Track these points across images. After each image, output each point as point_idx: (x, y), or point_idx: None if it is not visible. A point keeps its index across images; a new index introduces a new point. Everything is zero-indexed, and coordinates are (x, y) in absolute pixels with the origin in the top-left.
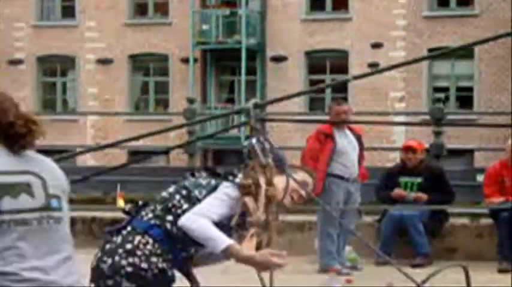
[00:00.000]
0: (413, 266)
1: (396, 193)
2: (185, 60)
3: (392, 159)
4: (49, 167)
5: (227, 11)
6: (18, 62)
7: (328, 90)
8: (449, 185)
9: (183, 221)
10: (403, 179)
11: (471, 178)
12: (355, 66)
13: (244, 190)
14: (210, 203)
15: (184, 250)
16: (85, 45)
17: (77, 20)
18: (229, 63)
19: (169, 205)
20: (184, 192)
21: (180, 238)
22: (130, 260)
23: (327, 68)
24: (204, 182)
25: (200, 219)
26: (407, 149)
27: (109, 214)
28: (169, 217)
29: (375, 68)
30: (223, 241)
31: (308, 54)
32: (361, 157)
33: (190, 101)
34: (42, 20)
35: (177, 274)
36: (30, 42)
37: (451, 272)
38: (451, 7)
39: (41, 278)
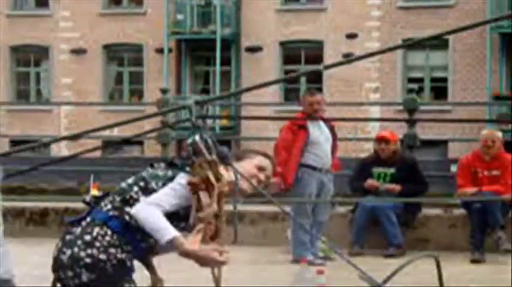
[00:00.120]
0: (386, 256)
1: (369, 184)
2: (160, 51)
3: (367, 149)
4: None
5: (202, 1)
6: None
7: (303, 81)
8: (422, 176)
9: (133, 210)
10: (376, 170)
11: (445, 168)
12: (330, 57)
13: (192, 187)
14: (164, 193)
15: (144, 240)
16: (59, 35)
17: (50, 9)
18: (204, 53)
19: (127, 196)
20: (142, 183)
21: (139, 229)
22: (89, 251)
23: (302, 59)
24: (161, 173)
25: (149, 209)
26: (380, 139)
27: (82, 205)
28: (128, 208)
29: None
30: (168, 232)
31: (283, 44)
32: (334, 147)
33: (164, 91)
34: (16, 9)
35: (137, 264)
36: (3, 32)
37: (423, 262)
38: None
39: None
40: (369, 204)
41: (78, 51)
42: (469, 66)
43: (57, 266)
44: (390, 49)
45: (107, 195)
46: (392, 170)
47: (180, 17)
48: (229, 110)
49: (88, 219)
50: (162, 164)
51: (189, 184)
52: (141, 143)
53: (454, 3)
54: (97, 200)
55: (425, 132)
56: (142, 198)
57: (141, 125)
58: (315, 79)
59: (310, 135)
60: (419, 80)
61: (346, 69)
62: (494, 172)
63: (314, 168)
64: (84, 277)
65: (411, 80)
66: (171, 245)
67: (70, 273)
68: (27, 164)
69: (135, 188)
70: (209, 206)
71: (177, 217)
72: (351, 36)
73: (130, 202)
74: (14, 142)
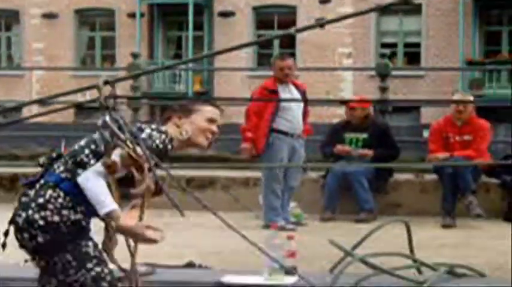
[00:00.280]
0: (358, 221)
1: (339, 149)
2: (132, 15)
3: (340, 115)
4: None
5: None
6: None
7: (276, 46)
8: (394, 141)
9: (79, 179)
10: (348, 135)
11: (418, 134)
12: (303, 22)
13: (109, 169)
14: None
15: None
16: None
17: None
18: (177, 18)
19: (79, 158)
20: (92, 146)
21: None
22: (42, 213)
23: (275, 24)
24: (134, 129)
25: (93, 180)
26: (346, 105)
27: None
28: (80, 171)
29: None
30: (107, 204)
31: (256, 9)
32: (305, 113)
33: (135, 55)
34: None
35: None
36: None
37: (394, 227)
38: None
39: None
40: (341, 169)
41: (50, 16)
42: (442, 31)
43: (14, 229)
44: (363, 13)
45: (60, 157)
46: (364, 135)
47: None
48: (201, 76)
49: (42, 181)
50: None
51: (104, 165)
52: (113, 108)
53: None
54: (51, 162)
55: (398, 97)
56: (92, 161)
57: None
58: (288, 44)
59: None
60: (393, 45)
61: (319, 34)
62: (466, 137)
63: (285, 133)
64: (40, 239)
65: (384, 46)
66: (110, 218)
67: (26, 235)
68: None
69: (86, 151)
70: (141, 182)
71: (129, 181)
72: (324, 1)
73: (82, 164)
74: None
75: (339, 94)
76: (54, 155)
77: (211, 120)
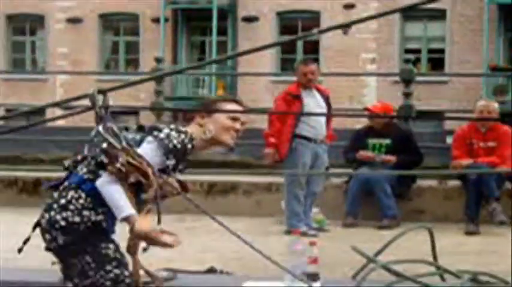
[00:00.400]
0: (380, 228)
1: (362, 155)
2: (156, 20)
3: (363, 121)
4: None
5: None
6: None
7: (300, 51)
8: (417, 147)
9: (97, 183)
10: (371, 141)
11: (441, 140)
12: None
13: (118, 175)
14: None
15: None
16: (55, 4)
17: None
18: (201, 23)
19: (99, 159)
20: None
21: None
22: (64, 214)
23: (299, 29)
24: (130, 137)
25: (110, 184)
26: (368, 112)
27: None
28: (101, 172)
29: (347, 30)
30: (123, 210)
31: (280, 14)
32: (329, 118)
33: (158, 60)
34: None
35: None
36: None
37: (417, 234)
38: None
39: None
40: (364, 175)
41: (74, 21)
42: (467, 37)
43: (40, 230)
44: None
45: (84, 160)
46: (387, 141)
47: None
48: (225, 81)
49: (65, 183)
50: (134, 128)
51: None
52: (136, 113)
53: None
54: (75, 164)
55: (421, 103)
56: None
57: (136, 94)
58: (312, 50)
59: (305, 105)
60: (417, 51)
61: (343, 40)
62: (490, 144)
63: (308, 139)
64: (60, 240)
65: (408, 51)
66: (127, 223)
67: (48, 236)
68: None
69: None
70: (150, 187)
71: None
72: (349, 6)
73: (103, 165)
74: (10, 111)
75: (362, 100)
76: (79, 157)
77: (234, 118)
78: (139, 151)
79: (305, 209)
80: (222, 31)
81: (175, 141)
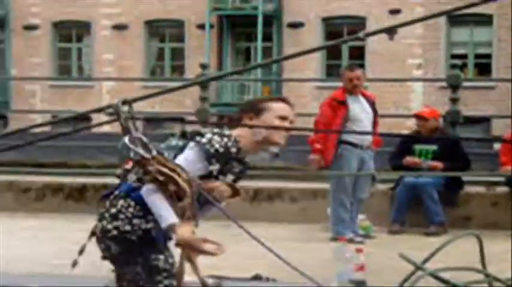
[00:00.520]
0: (428, 234)
1: (408, 161)
2: (201, 26)
3: (409, 127)
4: None
5: None
6: (34, 27)
7: (345, 57)
8: (464, 153)
9: (142, 192)
10: (418, 147)
11: (488, 146)
12: None
13: (157, 183)
14: None
15: None
16: (101, 11)
17: None
18: (246, 29)
19: (147, 168)
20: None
21: None
22: (115, 223)
23: (344, 35)
24: (174, 143)
25: (153, 193)
26: (418, 117)
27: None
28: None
29: (392, 35)
30: (166, 218)
31: (325, 20)
32: (375, 124)
33: (204, 66)
34: None
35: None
36: (45, 8)
37: (465, 241)
38: None
39: None
40: (411, 181)
41: (120, 27)
42: None
43: (95, 239)
44: (435, 15)
45: (134, 167)
46: (434, 147)
47: None
48: (270, 87)
49: (116, 192)
50: (177, 135)
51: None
52: (182, 119)
53: None
54: (126, 173)
55: (468, 108)
56: None
57: (182, 100)
58: (357, 55)
59: (350, 111)
60: (463, 56)
61: (389, 45)
62: None
63: (354, 145)
64: (113, 249)
65: (454, 57)
66: (170, 231)
67: (102, 245)
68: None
69: None
70: (185, 194)
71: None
72: (394, 12)
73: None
74: (56, 118)
75: (409, 105)
76: (129, 166)
77: (283, 118)
78: (181, 157)
79: (351, 215)
80: (267, 37)
81: (217, 146)
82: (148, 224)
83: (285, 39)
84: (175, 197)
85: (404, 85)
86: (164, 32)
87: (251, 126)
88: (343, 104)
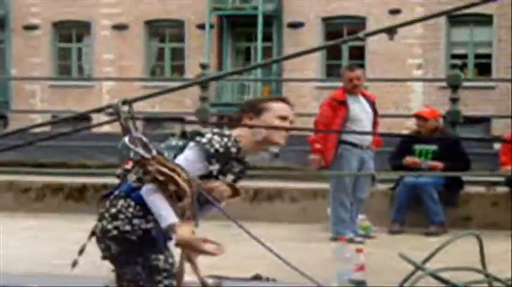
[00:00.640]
0: (428, 234)
1: (408, 161)
2: (201, 26)
3: (409, 127)
4: None
5: None
6: (34, 27)
7: (345, 57)
8: (465, 153)
9: (141, 192)
10: (418, 147)
11: (488, 145)
12: None
13: (157, 183)
14: None
15: None
16: (101, 11)
17: None
18: (246, 29)
19: (147, 167)
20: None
21: None
22: (115, 223)
23: (344, 35)
24: (174, 143)
25: (153, 193)
26: (418, 117)
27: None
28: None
29: (392, 35)
30: (166, 219)
31: (325, 20)
32: (375, 124)
33: (203, 66)
34: None
35: None
36: (45, 8)
37: (465, 241)
38: None
39: None
40: (410, 181)
41: (120, 27)
42: None
43: (95, 239)
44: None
45: (134, 167)
46: (434, 147)
47: None
48: (270, 87)
49: (116, 192)
50: (177, 134)
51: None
52: (182, 119)
53: None
54: (126, 173)
55: (468, 109)
56: None
57: (182, 100)
58: (357, 55)
59: (351, 111)
60: (463, 56)
61: (389, 45)
62: None
63: (354, 145)
64: (113, 249)
65: (455, 56)
66: (170, 231)
67: (102, 245)
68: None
69: None
70: (185, 194)
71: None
72: (394, 12)
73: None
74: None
75: (409, 105)
76: (129, 165)
77: (283, 118)
78: (181, 157)
79: (351, 215)
80: (267, 37)
81: (217, 146)
82: (149, 224)
83: (285, 39)
84: (175, 197)
85: (404, 85)
86: (164, 32)
87: (251, 127)
88: (343, 104)
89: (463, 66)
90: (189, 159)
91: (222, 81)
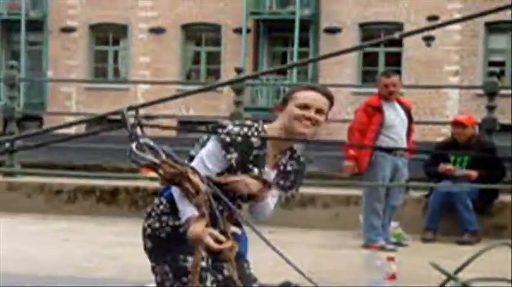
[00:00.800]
0: (461, 243)
1: (442, 168)
2: (238, 31)
3: (444, 134)
4: None
5: None
6: (71, 29)
7: (381, 63)
8: (500, 162)
9: (172, 190)
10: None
11: None
12: (410, 39)
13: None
14: (196, 162)
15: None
16: (138, 14)
17: None
18: (282, 34)
19: None
20: (192, 152)
21: None
22: (149, 221)
23: None
24: (205, 138)
25: (176, 189)
26: (455, 123)
27: (153, 184)
28: None
29: (430, 41)
30: (183, 213)
31: (362, 26)
32: (409, 131)
33: (239, 71)
34: None
35: None
36: (83, 10)
37: (499, 251)
38: None
39: None
40: (445, 189)
41: (157, 31)
42: None
43: None
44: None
45: None
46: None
47: None
48: None
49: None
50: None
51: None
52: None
53: None
54: None
55: (505, 117)
56: None
57: (217, 104)
58: (394, 61)
59: (386, 118)
60: (501, 64)
61: (426, 52)
62: None
63: (389, 152)
64: (148, 246)
65: (492, 64)
66: (186, 225)
67: (143, 243)
68: (102, 142)
69: (185, 161)
70: (199, 191)
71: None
72: (432, 18)
73: None
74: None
75: (444, 112)
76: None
77: (304, 106)
78: (203, 150)
79: (384, 223)
80: (303, 42)
81: (234, 135)
82: (177, 221)
83: (321, 45)
84: (191, 195)
85: (440, 92)
86: (201, 36)
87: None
88: (378, 110)
89: (500, 74)
90: (210, 150)
91: (257, 86)
